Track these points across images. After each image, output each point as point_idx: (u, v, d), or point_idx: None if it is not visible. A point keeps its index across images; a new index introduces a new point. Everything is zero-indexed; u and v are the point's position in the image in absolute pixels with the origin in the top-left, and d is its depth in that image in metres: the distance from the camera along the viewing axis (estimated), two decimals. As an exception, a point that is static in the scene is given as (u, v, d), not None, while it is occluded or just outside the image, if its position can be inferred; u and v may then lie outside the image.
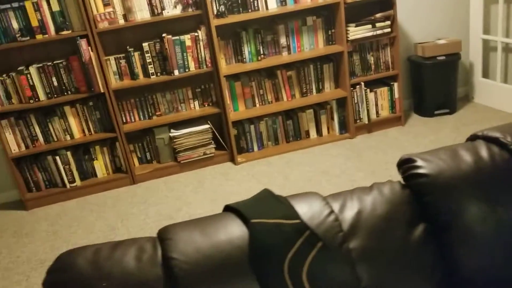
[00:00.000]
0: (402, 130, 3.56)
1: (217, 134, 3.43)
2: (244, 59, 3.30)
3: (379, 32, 3.36)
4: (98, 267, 0.97)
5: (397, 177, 2.92)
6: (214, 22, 3.06)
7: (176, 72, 3.19)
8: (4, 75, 3.01)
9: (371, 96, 3.53)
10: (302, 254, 0.98)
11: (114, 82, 3.20)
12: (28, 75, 2.99)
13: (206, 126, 3.36)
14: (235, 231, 1.02)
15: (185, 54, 3.17)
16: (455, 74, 3.63)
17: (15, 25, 2.89)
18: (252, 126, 3.44)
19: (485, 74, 3.81)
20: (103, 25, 2.98)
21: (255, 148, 3.51)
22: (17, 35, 2.90)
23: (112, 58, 3.15)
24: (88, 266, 0.98)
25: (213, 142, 3.41)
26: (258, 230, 0.99)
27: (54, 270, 1.02)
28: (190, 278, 0.94)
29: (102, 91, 3.06)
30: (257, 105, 3.45)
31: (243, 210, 1.04)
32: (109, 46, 3.20)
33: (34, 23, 2.90)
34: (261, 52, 3.31)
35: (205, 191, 3.08)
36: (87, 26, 2.93)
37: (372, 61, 3.50)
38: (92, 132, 3.25)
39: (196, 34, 3.15)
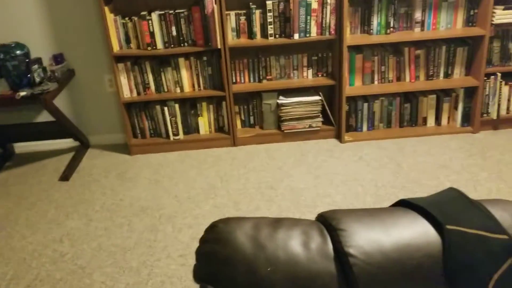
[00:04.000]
0: (535, 133, 3.14)
1: (326, 108, 3.24)
2: (371, 31, 3.03)
3: (531, 17, 2.93)
4: (261, 246, 0.85)
5: None
6: (348, -14, 2.82)
7: (296, 36, 3.01)
8: (127, 19, 3.01)
9: (505, 89, 3.13)
10: (511, 278, 0.79)
11: (231, 39, 3.09)
12: (150, 21, 2.96)
13: (317, 97, 3.17)
14: (422, 234, 0.84)
15: (308, 17, 2.97)
16: None
17: (144, -32, 2.85)
18: (365, 104, 3.19)
19: None
20: (231, -23, 2.85)
21: (364, 128, 3.27)
22: (145, -20, 2.86)
23: (232, 13, 3.03)
24: (250, 243, 0.86)
25: (321, 115, 3.22)
26: (456, 240, 0.81)
27: (210, 241, 0.91)
28: (373, 283, 0.78)
29: (219, 46, 2.97)
30: (376, 82, 3.19)
31: (433, 211, 0.86)
32: (232, 1, 3.08)
33: (164, -32, 2.84)
34: (391, 24, 3.02)
35: (308, 165, 2.93)
36: (215, -24, 2.82)
37: (515, 50, 3.08)
38: (202, 87, 3.19)
39: (324, -3, 2.93)
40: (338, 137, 3.25)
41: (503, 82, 3.10)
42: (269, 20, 3.00)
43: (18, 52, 2.67)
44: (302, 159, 3.01)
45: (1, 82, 2.83)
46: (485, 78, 3.07)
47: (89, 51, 3.20)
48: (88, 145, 3.43)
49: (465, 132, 3.19)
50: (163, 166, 3.06)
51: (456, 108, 3.21)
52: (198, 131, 3.31)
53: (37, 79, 2.79)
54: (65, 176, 2.98)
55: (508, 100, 3.17)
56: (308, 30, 3.00)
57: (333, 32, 3.00)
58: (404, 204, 0.95)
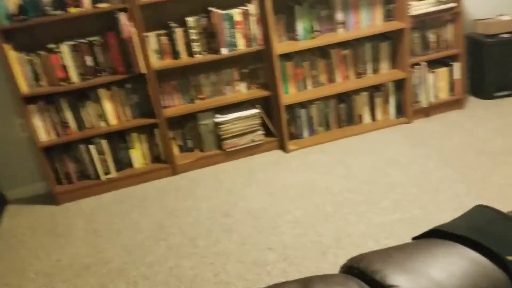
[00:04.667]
0: (463, 114, 3.27)
1: (266, 120, 3.12)
2: (297, 36, 2.97)
3: (443, 7, 3.05)
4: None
5: (474, 166, 2.60)
6: (271, -7, 2.72)
7: (223, 51, 2.85)
8: (33, 54, 2.65)
9: (430, 77, 3.23)
10: None
11: (155, 61, 2.85)
12: (60, 54, 2.64)
13: (255, 110, 3.04)
14: (481, 271, 0.72)
15: (234, 30, 2.83)
16: (520, 53, 3.34)
17: (45, -4, 2.53)
18: (303, 110, 3.13)
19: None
20: (146, -4, 2.63)
21: (305, 134, 3.20)
22: (48, 9, 2.54)
23: (152, 34, 2.80)
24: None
25: (261, 128, 3.10)
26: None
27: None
28: None
29: (143, 71, 2.72)
30: (309, 87, 3.14)
31: (483, 241, 0.74)
32: (148, 21, 2.85)
33: (68, -6, 2.54)
34: (315, 28, 2.98)
35: (258, 182, 2.78)
36: (127, -3, 2.58)
37: (433, 39, 3.19)
38: (129, 118, 2.92)
39: (246, 8, 2.80)
40: (282, 147, 3.14)
41: (428, 70, 3.20)
42: (193, 38, 2.82)
43: None
44: (251, 177, 2.85)
45: None
46: (411, 68, 3.15)
47: (-9, 95, 2.78)
48: (5, 202, 2.99)
49: (400, 124, 3.24)
50: (98, 212, 2.74)
51: (387, 101, 3.25)
52: (131, 165, 3.03)
53: None
54: (-16, 244, 2.55)
55: (434, 87, 3.28)
56: (235, 43, 2.86)
57: (261, 42, 2.89)
58: (437, 233, 0.83)
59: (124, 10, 2.62)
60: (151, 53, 2.82)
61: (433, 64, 3.24)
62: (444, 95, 3.32)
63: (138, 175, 2.98)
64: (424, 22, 3.13)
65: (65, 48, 2.64)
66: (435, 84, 3.26)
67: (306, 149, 3.10)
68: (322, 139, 3.16)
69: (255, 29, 2.86)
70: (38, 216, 2.79)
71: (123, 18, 2.59)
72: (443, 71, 3.25)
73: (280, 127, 3.08)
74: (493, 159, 2.66)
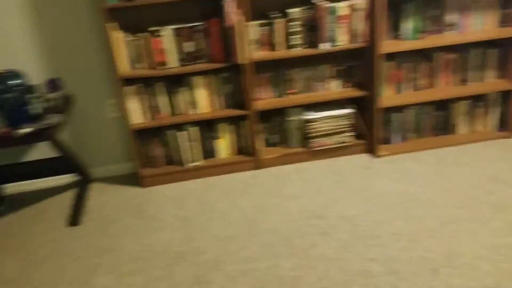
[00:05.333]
0: None
1: (359, 121, 2.99)
2: (401, 36, 2.81)
3: None
4: None
5: None
6: (384, -11, 2.58)
7: (323, 46, 2.74)
8: (135, 36, 2.64)
9: (537, 90, 3.00)
10: None
11: (252, 52, 2.78)
12: (162, 37, 2.61)
13: (348, 110, 2.92)
14: None
15: (336, 25, 2.71)
16: None
17: (154, -23, 2.50)
18: (396, 115, 2.98)
19: None
20: (255, -16, 2.55)
21: (397, 139, 3.05)
22: (156, -10, 2.51)
23: (253, 24, 2.72)
24: None
25: (351, 129, 2.97)
26: None
27: None
28: None
29: (242, 62, 2.65)
30: (407, 90, 2.98)
31: None
32: (252, 11, 2.77)
33: (177, -24, 2.50)
34: (422, 29, 2.81)
35: (349, 186, 2.67)
36: (237, -16, 2.51)
37: (547, 49, 2.95)
38: (220, 107, 2.86)
39: (354, 2, 2.68)
40: (371, 151, 3.01)
41: (536, 83, 2.97)
42: (293, 30, 2.72)
43: (14, 82, 2.25)
44: (340, 180, 2.74)
45: (-7, 118, 2.39)
46: (519, 80, 2.93)
47: (90, 74, 2.79)
48: (91, 179, 3.02)
49: (501, 138, 3.03)
50: (186, 199, 2.71)
51: (488, 112, 3.05)
52: (217, 155, 2.98)
53: (37, 111, 2.37)
54: (74, 221, 2.57)
55: (540, 101, 3.04)
56: (336, 39, 2.74)
57: (364, 39, 2.76)
58: None
59: (231, -3, 2.55)
60: (250, 43, 2.75)
61: (542, 76, 3.01)
62: (550, 110, 3.07)
63: (222, 166, 2.93)
64: (539, 30, 2.90)
65: (167, 32, 2.60)
66: (542, 98, 3.03)
67: (398, 155, 2.95)
68: (414, 147, 3.00)
69: (361, 25, 2.72)
70: (124, 197, 2.79)
71: (229, 5, 2.52)
72: (553, 84, 3.00)
73: (372, 130, 2.95)
74: None
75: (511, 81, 2.94)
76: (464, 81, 2.99)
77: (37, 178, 2.91)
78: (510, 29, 2.85)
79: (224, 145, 2.96)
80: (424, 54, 2.94)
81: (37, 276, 2.19)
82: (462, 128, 3.07)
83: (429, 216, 2.34)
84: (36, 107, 2.38)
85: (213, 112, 2.85)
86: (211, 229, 2.41)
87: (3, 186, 2.94)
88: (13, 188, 2.97)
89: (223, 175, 2.93)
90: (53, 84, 2.68)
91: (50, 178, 2.99)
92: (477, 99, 3.01)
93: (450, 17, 2.82)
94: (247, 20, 2.68)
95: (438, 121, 3.05)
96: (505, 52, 2.94)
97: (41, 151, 2.89)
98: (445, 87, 2.99)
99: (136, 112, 2.76)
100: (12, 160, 2.88)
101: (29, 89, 2.40)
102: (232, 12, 2.55)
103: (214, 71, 2.79)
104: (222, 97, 2.84)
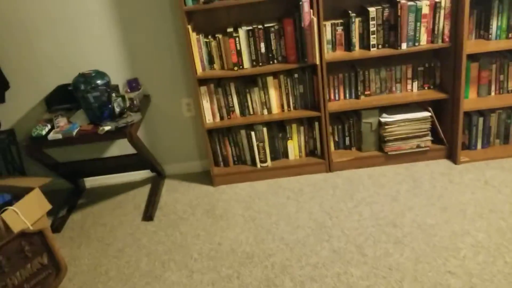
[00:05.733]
0: None
1: (437, 125, 2.83)
2: (490, 35, 2.62)
3: None
4: None
5: None
6: (471, -15, 2.42)
7: (403, 46, 2.62)
8: (210, 37, 2.68)
9: None
10: None
11: (326, 52, 2.72)
12: (237, 39, 2.62)
13: (426, 113, 2.77)
14: None
15: (418, 24, 2.58)
16: None
17: (230, -21, 2.52)
18: (481, 119, 2.78)
19: None
20: (331, -17, 2.49)
21: (479, 145, 2.85)
22: (231, -9, 2.53)
23: (328, 24, 2.67)
24: None
25: (430, 133, 2.82)
26: None
27: None
28: None
29: (316, 62, 2.61)
30: (493, 93, 2.77)
31: None
32: (326, 9, 2.72)
33: (253, -23, 2.50)
34: (514, 27, 2.61)
35: (426, 194, 2.53)
36: (312, -17, 2.46)
37: None
38: (291, 108, 2.84)
39: (437, 0, 2.53)
40: (450, 157, 2.84)
41: None
42: (371, 29, 2.63)
43: (99, 81, 2.37)
44: (416, 186, 2.61)
45: (78, 115, 2.54)
46: None
47: (166, 74, 2.88)
48: (164, 176, 3.12)
49: None
50: (254, 199, 2.71)
51: None
52: (287, 156, 2.96)
53: (117, 110, 2.49)
54: (149, 216, 2.66)
55: None
56: (417, 38, 2.61)
57: (447, 39, 2.61)
58: None
59: (306, -4, 2.52)
60: (325, 44, 2.69)
61: None
62: None
63: (292, 167, 2.90)
64: None
65: (242, 33, 2.62)
66: None
67: (480, 162, 2.76)
68: (498, 153, 2.79)
69: (443, 24, 2.57)
70: (196, 195, 2.85)
71: (306, 5, 2.48)
72: None
73: (453, 135, 2.78)
74: None
75: None
76: (560, 83, 2.73)
77: (116, 173, 3.05)
78: None
79: (295, 146, 2.93)
80: (514, 54, 2.72)
81: (113, 267, 2.30)
82: (556, 135, 2.81)
83: (516, 230, 2.17)
84: (117, 105, 2.49)
85: (284, 112, 2.83)
86: (279, 231, 2.39)
87: (84, 179, 3.12)
88: (93, 181, 3.15)
89: (293, 177, 2.91)
90: (132, 84, 2.80)
91: (128, 173, 3.13)
92: None
93: (545, 14, 2.58)
94: (324, 19, 2.62)
95: (528, 127, 2.81)
96: None
97: (120, 147, 3.03)
98: (537, 90, 2.75)
99: (210, 112, 2.81)
100: (93, 155, 3.05)
101: (112, 88, 2.52)
102: (309, 12, 2.51)
103: (287, 72, 2.76)
104: (294, 97, 2.81)
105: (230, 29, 2.65)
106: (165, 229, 2.55)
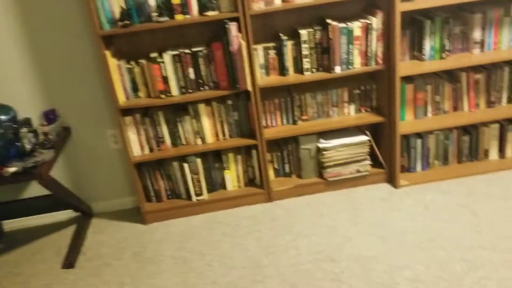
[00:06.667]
0: None
1: (375, 149, 2.75)
2: (423, 56, 2.57)
3: None
4: None
5: None
6: (401, 7, 2.35)
7: (337, 69, 2.53)
8: (133, 63, 2.49)
9: None
10: None
11: (259, 77, 2.59)
12: (162, 64, 2.44)
13: (364, 137, 2.69)
14: None
15: (351, 46, 2.49)
16: None
17: (152, 1, 2.34)
18: (419, 141, 2.72)
19: None
20: (258, 5, 2.36)
21: (418, 167, 2.79)
22: (154, 14, 2.35)
23: (260, 47, 2.54)
24: None
25: (369, 157, 2.73)
26: None
27: None
28: None
29: (248, 88, 2.46)
30: (429, 114, 2.73)
31: None
32: (257, 32, 2.60)
33: (176, 0, 2.33)
34: (446, 48, 2.57)
35: (366, 222, 2.43)
36: (239, 6, 2.32)
37: None
38: (227, 136, 2.68)
39: (368, 21, 2.46)
40: (391, 181, 2.76)
41: None
42: (304, 53, 2.52)
43: (2, 117, 2.12)
44: (357, 214, 2.50)
45: (-17, 155, 2.27)
46: (556, 100, 2.64)
47: (87, 104, 2.65)
48: (91, 214, 2.86)
49: (536, 164, 2.74)
50: (188, 237, 2.52)
51: (522, 137, 2.76)
52: (225, 187, 2.79)
53: (28, 147, 2.24)
54: (69, 263, 2.41)
55: None
56: (351, 61, 2.52)
57: (380, 61, 2.53)
58: None
59: (234, 19, 2.38)
60: (257, 68, 2.56)
61: None
62: None
63: (230, 199, 2.73)
64: None
65: (168, 58, 2.44)
66: None
67: (420, 185, 2.69)
68: (438, 176, 2.73)
69: (376, 46, 2.50)
70: (124, 235, 2.62)
71: (233, 29, 2.34)
72: None
73: (392, 158, 2.70)
74: None
75: (547, 103, 2.65)
76: (493, 102, 2.72)
77: (36, 214, 2.77)
78: (544, 45, 2.58)
79: (232, 177, 2.76)
80: (449, 75, 2.69)
81: (24, 327, 2.04)
82: (493, 154, 2.79)
83: (454, 259, 2.08)
84: (28, 142, 2.24)
85: (219, 142, 2.66)
86: (212, 274, 2.20)
87: (1, 222, 2.82)
88: (12, 224, 2.85)
89: (231, 209, 2.73)
90: (49, 116, 2.55)
91: (50, 214, 2.85)
92: (509, 122, 2.73)
93: (477, 34, 2.56)
94: (254, 43, 2.49)
95: (465, 147, 2.77)
96: (539, 70, 2.66)
97: (40, 187, 2.76)
98: (472, 110, 2.72)
99: (137, 144, 2.60)
100: (11, 196, 2.76)
101: (21, 123, 2.27)
102: (237, 36, 2.37)
103: (220, 99, 2.61)
104: (229, 125, 2.65)
105: (154, 54, 2.47)
106: (87, 277, 2.30)
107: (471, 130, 2.75)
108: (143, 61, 2.46)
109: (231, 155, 2.71)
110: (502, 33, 2.57)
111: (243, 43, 2.36)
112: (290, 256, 2.25)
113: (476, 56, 2.57)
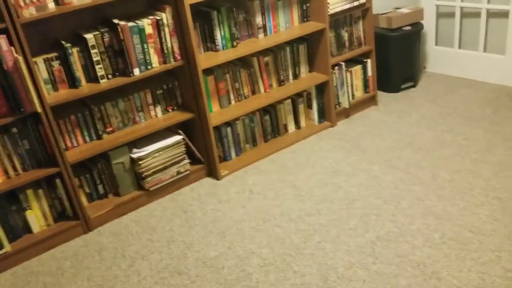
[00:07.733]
0: (379, 110, 3.27)
1: (191, 146, 2.68)
2: (217, 46, 2.59)
3: (356, 3, 2.97)
4: None
5: (418, 164, 2.62)
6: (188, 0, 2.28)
7: (136, 71, 2.34)
8: None
9: (348, 76, 3.14)
10: None
11: (47, 94, 2.21)
12: None
13: (178, 137, 2.59)
14: None
15: (145, 45, 2.33)
16: (419, 44, 3.46)
17: None
18: (229, 129, 2.77)
19: (438, 41, 3.72)
20: (29, 12, 1.98)
21: (233, 154, 2.86)
22: None
23: (40, 60, 2.15)
24: None
25: (186, 156, 2.66)
26: None
27: None
28: None
29: (38, 110, 2.07)
30: (233, 101, 2.79)
31: None
32: (33, 43, 2.19)
33: None
34: (236, 36, 2.64)
35: (200, 223, 2.36)
36: (5, 14, 1.90)
37: (346, 38, 3.10)
38: (20, 171, 2.23)
39: (157, 17, 2.33)
40: (212, 174, 2.75)
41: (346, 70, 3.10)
42: (95, 59, 2.25)
43: None
44: (189, 217, 2.41)
45: None
46: (332, 70, 3.01)
47: None
48: None
49: (325, 128, 3.10)
50: (0, 303, 2.04)
51: (310, 107, 3.09)
52: (30, 231, 2.34)
53: None
54: None
55: (351, 86, 3.20)
56: (148, 61, 2.37)
57: (178, 57, 2.45)
58: None
59: (2, 31, 1.94)
60: (42, 85, 2.17)
61: (347, 63, 3.16)
62: (359, 93, 3.27)
63: (41, 242, 2.31)
64: (338, 20, 3.02)
65: None
66: (351, 84, 3.19)
67: (240, 171, 2.76)
68: (251, 158, 2.85)
69: (171, 42, 2.40)
70: None
71: (3, 42, 1.91)
72: (358, 69, 3.19)
73: (208, 151, 2.69)
74: (430, 153, 2.67)
75: (323, 73, 3.00)
76: (283, 81, 2.95)
77: None
78: (313, 23, 2.89)
79: (37, 216, 2.33)
80: (242, 61, 2.79)
81: None
82: (291, 127, 3.05)
83: (290, 232, 2.20)
84: None
85: (11, 180, 2.20)
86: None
87: None
88: None
89: (45, 253, 2.31)
90: None
91: None
92: (298, 96, 3.01)
93: (259, 20, 2.71)
94: (33, 55, 2.10)
95: (268, 125, 2.95)
96: (311, 45, 2.98)
97: None
98: (267, 91, 2.90)
99: None
100: None
101: None
102: (9, 51, 1.95)
103: (2, 128, 2.13)
104: (21, 157, 2.20)
105: None
106: None
107: (270, 109, 2.94)
108: None
109: (30, 192, 2.28)
110: (279, 16, 2.78)
111: (20, 58, 1.96)
112: (133, 284, 2.03)
113: (261, 40, 2.72)
